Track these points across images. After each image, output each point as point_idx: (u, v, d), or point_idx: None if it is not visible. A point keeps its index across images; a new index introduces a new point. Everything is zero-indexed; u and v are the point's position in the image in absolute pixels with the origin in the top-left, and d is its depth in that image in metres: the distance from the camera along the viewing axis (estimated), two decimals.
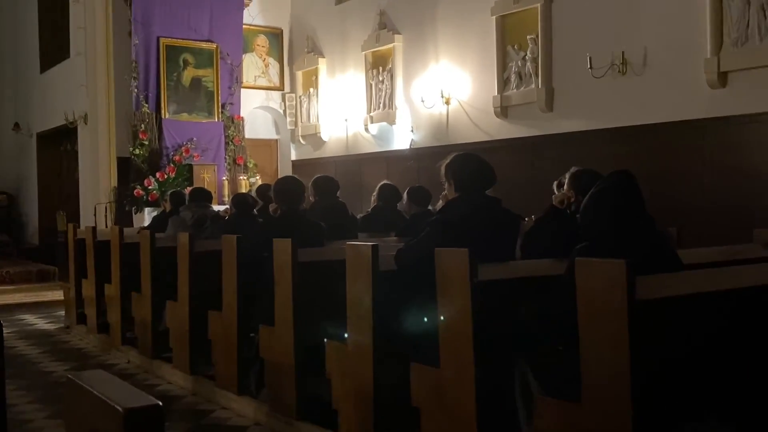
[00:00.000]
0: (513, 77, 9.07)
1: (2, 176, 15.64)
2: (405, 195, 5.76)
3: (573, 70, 8.33)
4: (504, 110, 9.23)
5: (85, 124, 12.16)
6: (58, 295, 9.56)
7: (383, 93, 11.20)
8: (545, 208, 3.84)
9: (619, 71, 7.79)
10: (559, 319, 2.72)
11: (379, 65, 11.28)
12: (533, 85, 8.82)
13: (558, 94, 8.64)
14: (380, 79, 11.22)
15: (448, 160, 3.67)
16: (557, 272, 3.04)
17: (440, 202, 5.01)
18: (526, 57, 8.87)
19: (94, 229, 7.26)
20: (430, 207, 5.78)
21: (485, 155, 3.84)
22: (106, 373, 1.30)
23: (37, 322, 8.54)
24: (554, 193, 4.36)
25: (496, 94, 9.26)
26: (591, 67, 7.94)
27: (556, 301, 2.81)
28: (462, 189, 3.58)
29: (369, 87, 11.46)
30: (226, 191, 11.41)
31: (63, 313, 8.39)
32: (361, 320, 3.59)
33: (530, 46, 8.78)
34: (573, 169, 4.00)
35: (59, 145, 14.73)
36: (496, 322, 3.04)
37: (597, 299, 2.35)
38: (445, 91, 10.02)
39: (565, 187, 3.88)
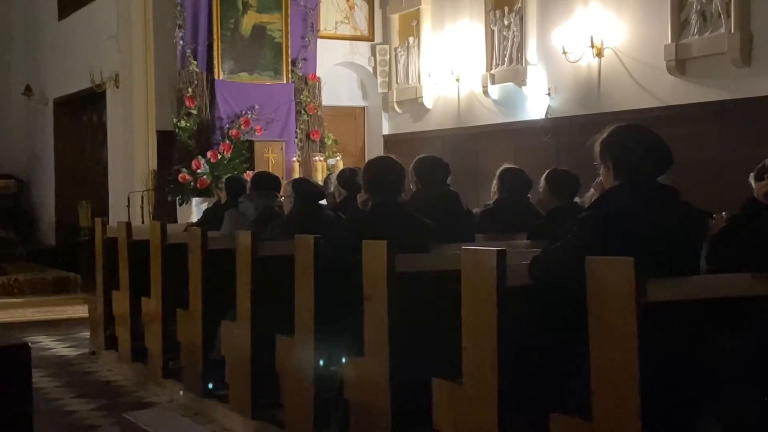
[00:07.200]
0: (694, 18, 8.92)
1: (9, 155, 15.96)
2: (543, 181, 5.75)
3: None
4: (680, 65, 9.10)
5: (116, 87, 12.61)
6: (80, 311, 9.96)
7: (509, 43, 11.16)
8: (743, 203, 3.78)
9: None
10: (763, 360, 2.66)
11: (504, 5, 11.25)
12: (722, 29, 8.66)
13: (759, 42, 8.45)
14: (505, 23, 11.19)
15: (604, 135, 3.67)
16: (761, 292, 3.00)
17: (592, 191, 4.98)
18: None
19: (128, 225, 7.53)
20: (577, 199, 5.73)
21: (655, 128, 3.81)
22: (166, 412, 1.36)
23: (54, 346, 8.90)
24: (753, 183, 4.25)
25: (669, 42, 9.14)
26: None
27: (758, 334, 2.75)
28: (625, 175, 3.56)
29: (490, 35, 11.45)
30: (297, 176, 11.60)
31: (87, 334, 8.73)
32: (481, 353, 3.60)
33: None
34: None
35: (82, 114, 15.30)
36: (672, 361, 3.02)
37: None
38: (597, 38, 9.92)
39: None
